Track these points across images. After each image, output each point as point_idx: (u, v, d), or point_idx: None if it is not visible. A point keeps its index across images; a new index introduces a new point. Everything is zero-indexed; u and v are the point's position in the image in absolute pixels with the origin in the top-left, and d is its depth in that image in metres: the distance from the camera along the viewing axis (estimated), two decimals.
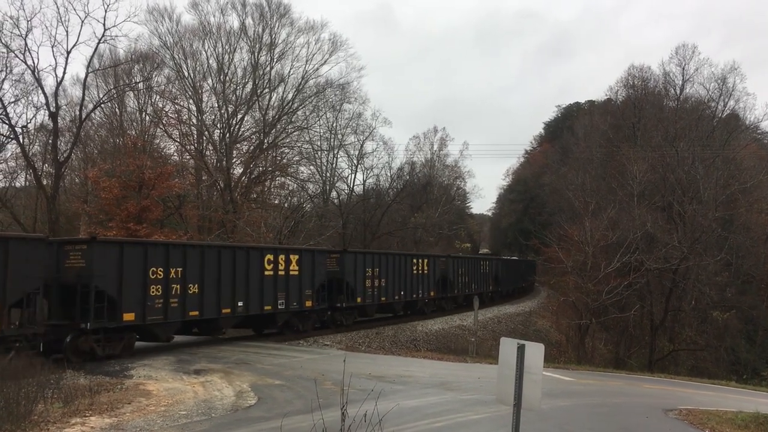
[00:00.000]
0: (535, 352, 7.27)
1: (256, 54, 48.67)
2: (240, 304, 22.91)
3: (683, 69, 61.17)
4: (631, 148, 53.74)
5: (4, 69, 34.64)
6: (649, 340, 42.00)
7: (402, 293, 34.17)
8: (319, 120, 55.21)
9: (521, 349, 7.29)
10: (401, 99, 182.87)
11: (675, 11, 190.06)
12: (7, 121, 34.48)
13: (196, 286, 21.12)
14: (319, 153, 56.95)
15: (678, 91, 62.69)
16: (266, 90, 49.55)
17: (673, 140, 51.65)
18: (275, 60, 49.54)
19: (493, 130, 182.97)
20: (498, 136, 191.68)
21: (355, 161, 59.39)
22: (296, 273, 25.51)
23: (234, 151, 46.75)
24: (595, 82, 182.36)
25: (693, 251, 40.79)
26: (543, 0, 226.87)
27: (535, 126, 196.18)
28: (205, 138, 46.97)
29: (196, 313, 21.21)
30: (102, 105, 43.01)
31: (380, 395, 9.58)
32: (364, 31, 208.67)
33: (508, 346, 7.51)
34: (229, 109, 47.27)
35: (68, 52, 35.29)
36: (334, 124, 57.39)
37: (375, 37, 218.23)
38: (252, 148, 48.38)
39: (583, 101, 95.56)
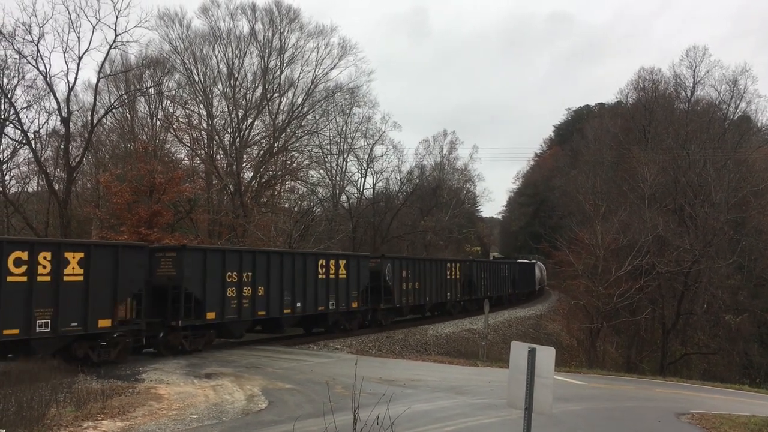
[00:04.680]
0: (546, 356, 7.26)
1: (266, 59, 48.85)
2: (427, 299, 35.08)
3: (694, 71, 60.61)
4: (641, 150, 53.41)
5: (17, 75, 35.07)
6: (661, 344, 41.69)
7: (494, 290, 45.52)
8: (328, 124, 55.44)
9: (532, 353, 7.28)
10: (427, 102, 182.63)
11: (711, 14, 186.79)
12: (19, 127, 34.88)
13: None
14: (329, 157, 57.14)
15: (689, 94, 62.27)
16: (276, 94, 49.72)
17: (684, 143, 51.25)
18: (285, 64, 49.73)
19: (515, 135, 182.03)
20: (521, 140, 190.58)
21: (364, 165, 59.60)
22: (458, 277, 37.78)
23: (244, 156, 46.89)
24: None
25: (705, 254, 40.47)
26: (576, 3, 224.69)
27: (548, 129, 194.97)
28: (215, 142, 47.15)
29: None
30: (113, 110, 43.27)
31: (391, 399, 9.58)
32: (398, 35, 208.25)
33: (518, 350, 7.50)
34: (239, 113, 47.44)
35: (80, 58, 35.64)
36: (344, 128, 57.61)
37: (408, 41, 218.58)
38: (262, 152, 48.53)
39: (593, 104, 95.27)
